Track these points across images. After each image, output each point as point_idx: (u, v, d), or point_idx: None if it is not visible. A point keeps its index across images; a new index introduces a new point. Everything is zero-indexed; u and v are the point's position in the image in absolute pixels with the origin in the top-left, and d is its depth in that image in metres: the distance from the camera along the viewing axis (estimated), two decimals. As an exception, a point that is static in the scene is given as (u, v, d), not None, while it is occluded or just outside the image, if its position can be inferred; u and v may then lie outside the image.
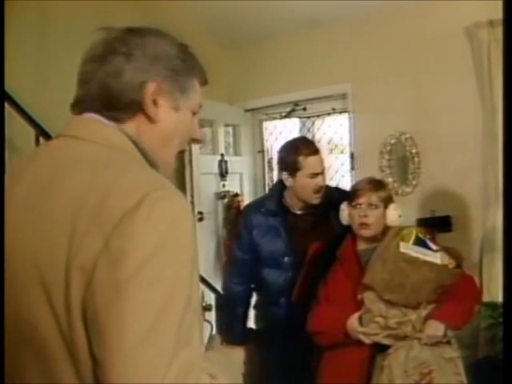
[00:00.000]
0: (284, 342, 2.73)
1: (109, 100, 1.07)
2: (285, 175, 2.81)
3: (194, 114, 1.17)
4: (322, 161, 2.83)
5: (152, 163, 1.09)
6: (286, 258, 2.78)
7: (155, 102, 1.09)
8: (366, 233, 2.45)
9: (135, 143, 1.07)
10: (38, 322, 0.92)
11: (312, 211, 2.82)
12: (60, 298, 0.90)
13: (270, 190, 3.21)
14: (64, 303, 0.89)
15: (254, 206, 3.02)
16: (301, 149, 2.77)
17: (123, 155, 1.04)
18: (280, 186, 2.91)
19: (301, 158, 2.75)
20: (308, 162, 2.76)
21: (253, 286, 2.98)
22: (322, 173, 2.81)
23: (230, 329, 2.89)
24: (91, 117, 1.08)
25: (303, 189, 2.78)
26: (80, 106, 1.11)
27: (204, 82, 1.19)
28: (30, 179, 1.01)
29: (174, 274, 0.88)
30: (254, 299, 3.05)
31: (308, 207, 2.82)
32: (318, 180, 2.77)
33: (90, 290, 0.86)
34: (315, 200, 2.78)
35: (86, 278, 0.87)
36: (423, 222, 3.55)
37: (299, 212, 2.86)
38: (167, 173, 1.15)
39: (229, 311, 2.97)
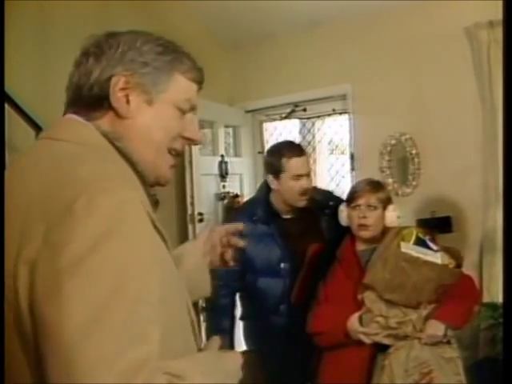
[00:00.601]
0: (285, 348, 2.69)
1: (81, 99, 1.09)
2: (270, 178, 2.79)
3: (182, 111, 1.14)
4: (306, 162, 2.80)
5: (131, 162, 1.08)
6: (282, 265, 2.73)
7: (127, 98, 1.08)
8: (365, 234, 2.45)
9: (111, 141, 1.07)
10: None
11: (300, 215, 2.79)
12: (11, 290, 0.89)
13: (256, 194, 3.14)
14: (14, 295, 0.89)
15: (244, 214, 2.90)
16: (284, 151, 2.76)
17: (93, 151, 1.03)
18: (265, 191, 2.87)
19: (284, 161, 2.73)
20: (291, 164, 2.73)
21: (237, 296, 2.92)
22: (308, 175, 2.77)
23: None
24: (67, 117, 1.10)
25: (288, 191, 2.75)
26: (65, 111, 1.13)
27: (195, 79, 1.16)
28: (6, 186, 1.01)
29: (119, 267, 0.85)
30: (244, 310, 2.99)
31: (296, 211, 2.79)
32: (303, 182, 2.74)
33: (32, 282, 0.85)
34: (301, 203, 2.75)
35: (29, 270, 0.86)
36: (423, 223, 3.54)
37: (288, 216, 2.82)
38: (155, 174, 1.13)
39: (215, 324, 2.92)
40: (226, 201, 4.57)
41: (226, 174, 4.59)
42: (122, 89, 1.07)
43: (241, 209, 3.25)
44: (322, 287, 2.46)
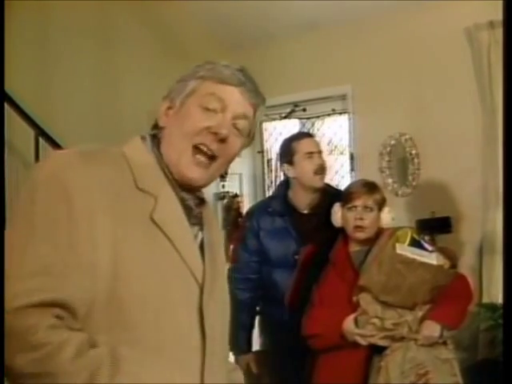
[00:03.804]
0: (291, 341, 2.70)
1: None
2: (285, 167, 2.84)
3: (210, 109, 1.22)
4: (316, 143, 2.87)
5: (172, 176, 1.22)
6: (296, 257, 2.71)
7: (167, 112, 1.26)
8: (361, 235, 2.44)
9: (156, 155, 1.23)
10: None
11: (317, 211, 2.79)
12: None
13: (274, 191, 3.19)
14: None
15: (260, 207, 3.00)
16: (293, 137, 2.92)
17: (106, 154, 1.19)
18: (284, 186, 2.91)
19: (294, 143, 2.82)
20: (302, 144, 2.81)
21: (259, 293, 2.92)
22: (320, 152, 2.82)
23: (234, 338, 2.86)
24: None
25: (304, 173, 2.78)
26: None
27: (224, 80, 1.25)
28: None
29: (17, 220, 1.06)
30: (261, 305, 2.99)
31: (313, 207, 2.81)
32: (316, 159, 2.78)
33: None
34: (318, 182, 2.78)
35: None
36: (423, 223, 3.54)
37: (305, 211, 2.84)
38: (179, 174, 1.22)
39: (233, 319, 2.92)
40: (225, 200, 4.57)
41: (226, 173, 4.56)
42: (167, 108, 1.25)
43: (257, 203, 3.27)
44: (316, 289, 2.44)
